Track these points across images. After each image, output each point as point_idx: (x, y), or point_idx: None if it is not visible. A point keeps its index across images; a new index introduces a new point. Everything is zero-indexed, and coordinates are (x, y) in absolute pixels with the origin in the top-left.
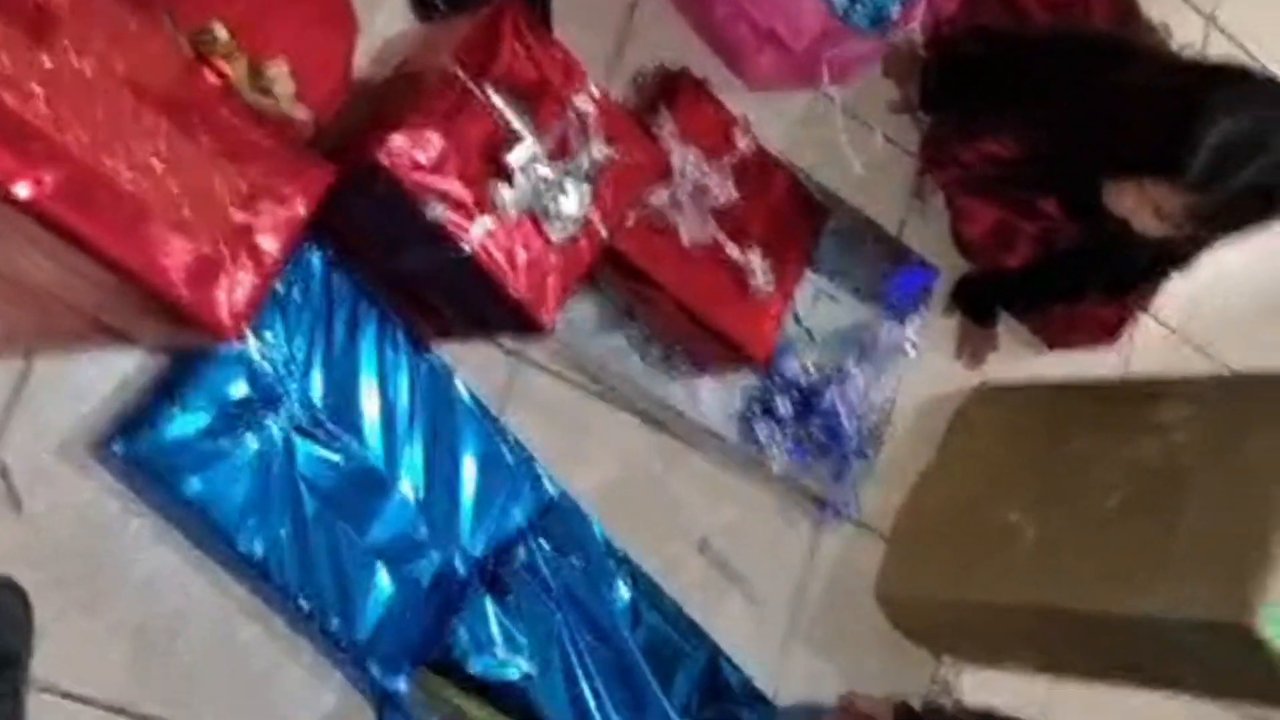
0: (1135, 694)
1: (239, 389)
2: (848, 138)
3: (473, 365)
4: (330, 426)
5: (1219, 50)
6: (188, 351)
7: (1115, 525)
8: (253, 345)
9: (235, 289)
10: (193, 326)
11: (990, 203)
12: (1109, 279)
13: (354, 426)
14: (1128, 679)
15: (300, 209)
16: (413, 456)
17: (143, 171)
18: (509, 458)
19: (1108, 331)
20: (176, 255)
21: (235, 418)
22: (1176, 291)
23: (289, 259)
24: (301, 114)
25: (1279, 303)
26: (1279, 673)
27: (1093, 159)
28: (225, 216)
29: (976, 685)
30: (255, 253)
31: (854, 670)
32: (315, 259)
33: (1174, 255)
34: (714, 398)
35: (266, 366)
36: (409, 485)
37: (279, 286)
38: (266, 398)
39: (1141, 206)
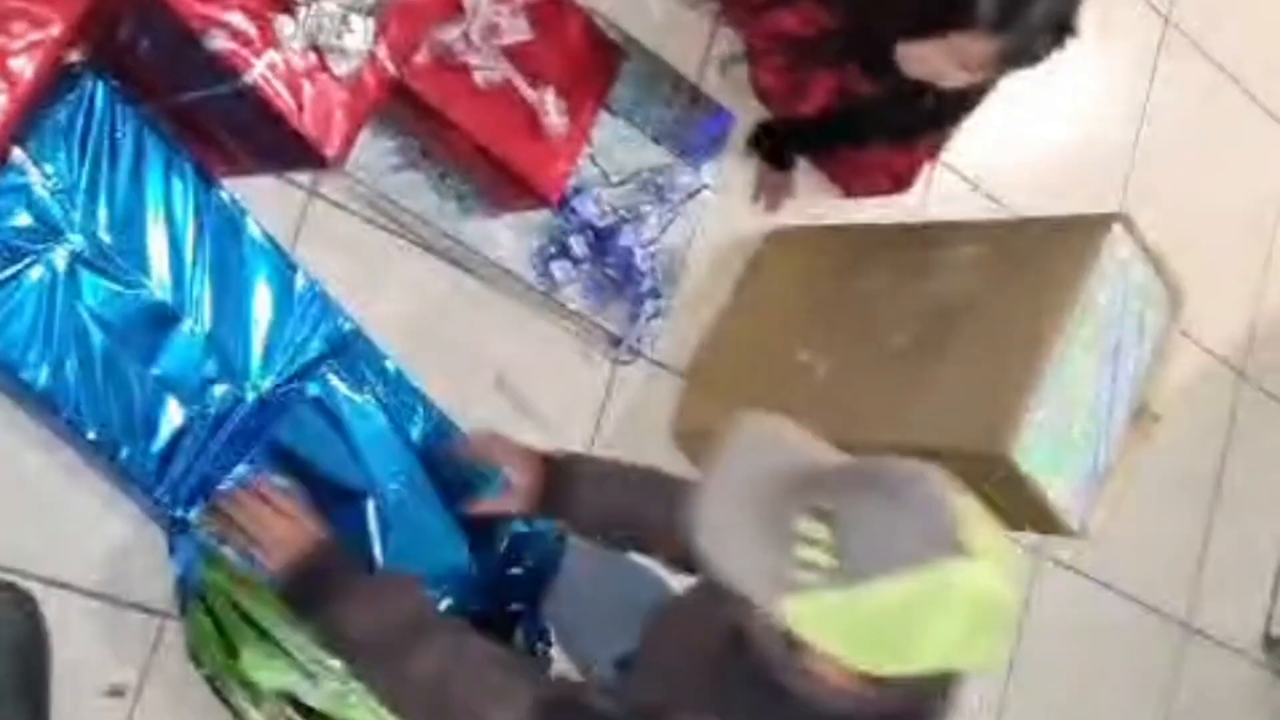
0: None
1: (20, 220)
2: None
3: (266, 202)
4: (117, 260)
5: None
6: None
7: (897, 361)
8: (33, 175)
9: None
10: None
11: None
12: (895, 125)
13: (140, 259)
14: None
15: (55, 30)
16: (200, 290)
17: None
18: (302, 292)
19: (901, 179)
20: None
21: (15, 249)
22: (971, 143)
23: (46, 81)
24: None
25: (1067, 153)
26: (1035, 499)
27: (888, 26)
28: None
29: None
30: (9, 75)
31: None
32: (99, 91)
33: (957, 102)
34: (511, 237)
35: (48, 197)
36: (196, 318)
37: (60, 117)
38: (48, 229)
39: (946, 63)
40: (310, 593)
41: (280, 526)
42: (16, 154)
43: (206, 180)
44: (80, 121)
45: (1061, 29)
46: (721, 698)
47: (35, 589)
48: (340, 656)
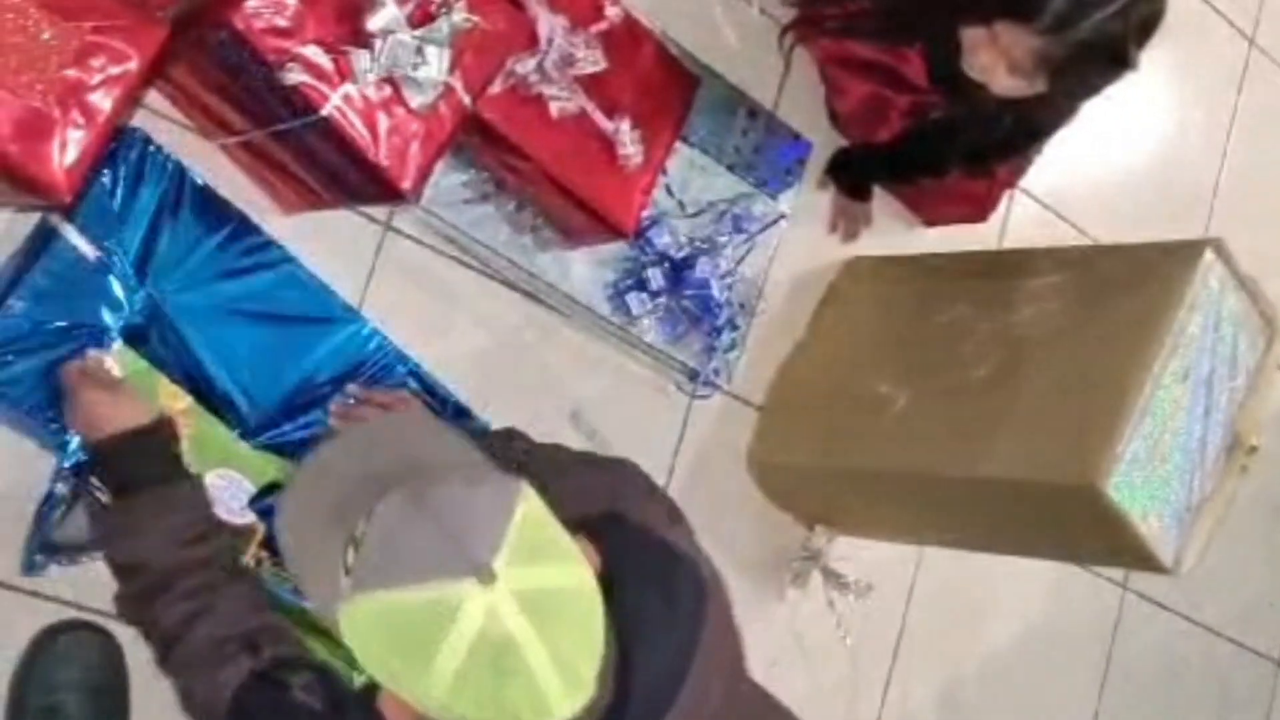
0: (1000, 562)
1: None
2: (722, 10)
3: (341, 236)
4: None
5: None
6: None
7: (979, 393)
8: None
9: (67, 146)
10: (26, 184)
11: (860, 76)
12: (969, 150)
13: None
14: (990, 544)
15: (134, 65)
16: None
17: None
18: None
19: (979, 207)
20: (5, 112)
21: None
22: (1051, 170)
23: (122, 116)
24: None
25: (1145, 179)
26: (1127, 534)
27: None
28: (56, 74)
29: (847, 552)
30: (87, 110)
31: (727, 538)
32: (139, 148)
33: (1031, 126)
34: (585, 270)
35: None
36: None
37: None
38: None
39: (995, 61)
40: (112, 473)
41: (106, 398)
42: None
43: (248, 227)
44: (124, 182)
45: (1115, 58)
46: None
47: None
48: (108, 551)
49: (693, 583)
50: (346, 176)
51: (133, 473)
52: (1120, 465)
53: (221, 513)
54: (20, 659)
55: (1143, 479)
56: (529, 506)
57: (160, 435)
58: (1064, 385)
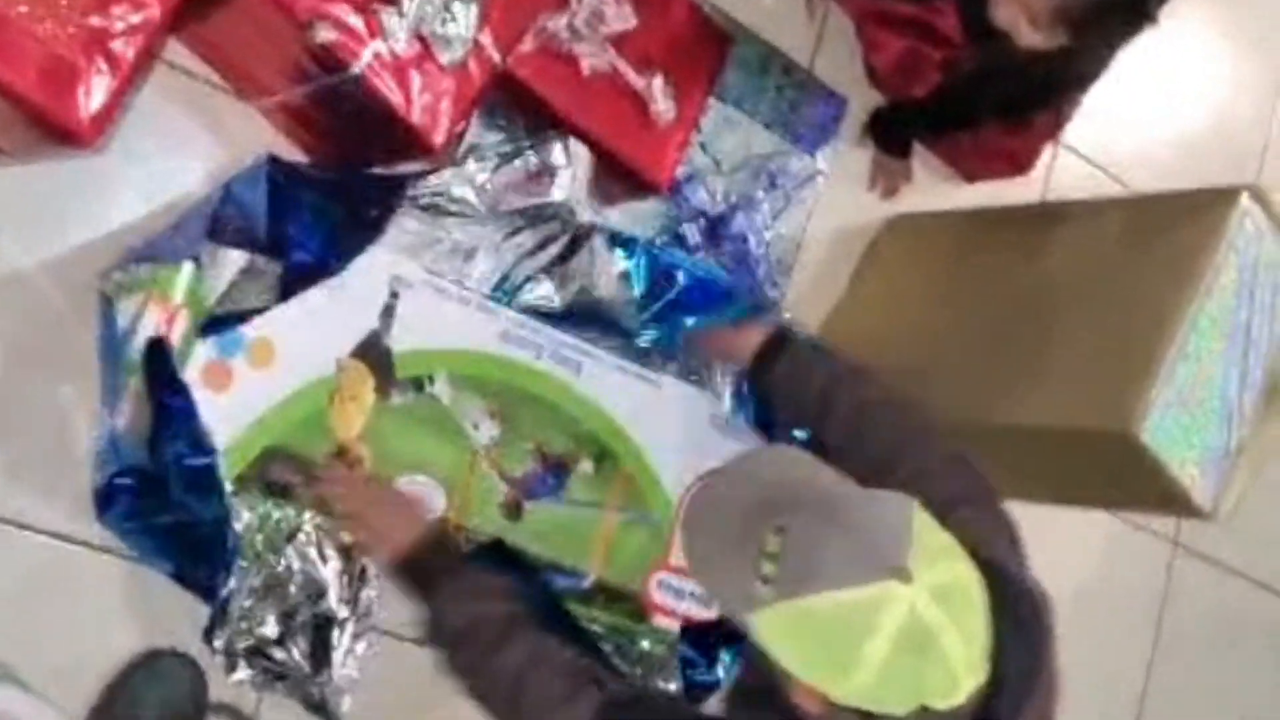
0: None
1: None
2: None
3: None
4: None
5: None
6: None
7: (1020, 343)
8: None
9: (92, 93)
10: (52, 131)
11: (896, 32)
12: (1002, 101)
13: None
14: (1032, 493)
15: (155, 12)
16: None
17: None
18: None
19: (1020, 162)
20: (30, 58)
21: None
22: (1096, 126)
23: (146, 63)
24: None
25: (1193, 135)
26: (1163, 479)
27: None
28: (80, 22)
29: None
30: (111, 57)
31: None
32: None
33: (1061, 77)
34: (622, 226)
35: None
36: None
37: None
38: None
39: (1016, 15)
40: (415, 582)
41: (386, 516)
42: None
43: None
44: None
45: (1134, 10)
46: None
47: None
48: (435, 641)
49: (1030, 599)
50: (379, 132)
51: (432, 574)
52: (1154, 410)
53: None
54: (121, 669)
55: (1178, 424)
56: (921, 515)
57: (443, 531)
58: (1101, 333)
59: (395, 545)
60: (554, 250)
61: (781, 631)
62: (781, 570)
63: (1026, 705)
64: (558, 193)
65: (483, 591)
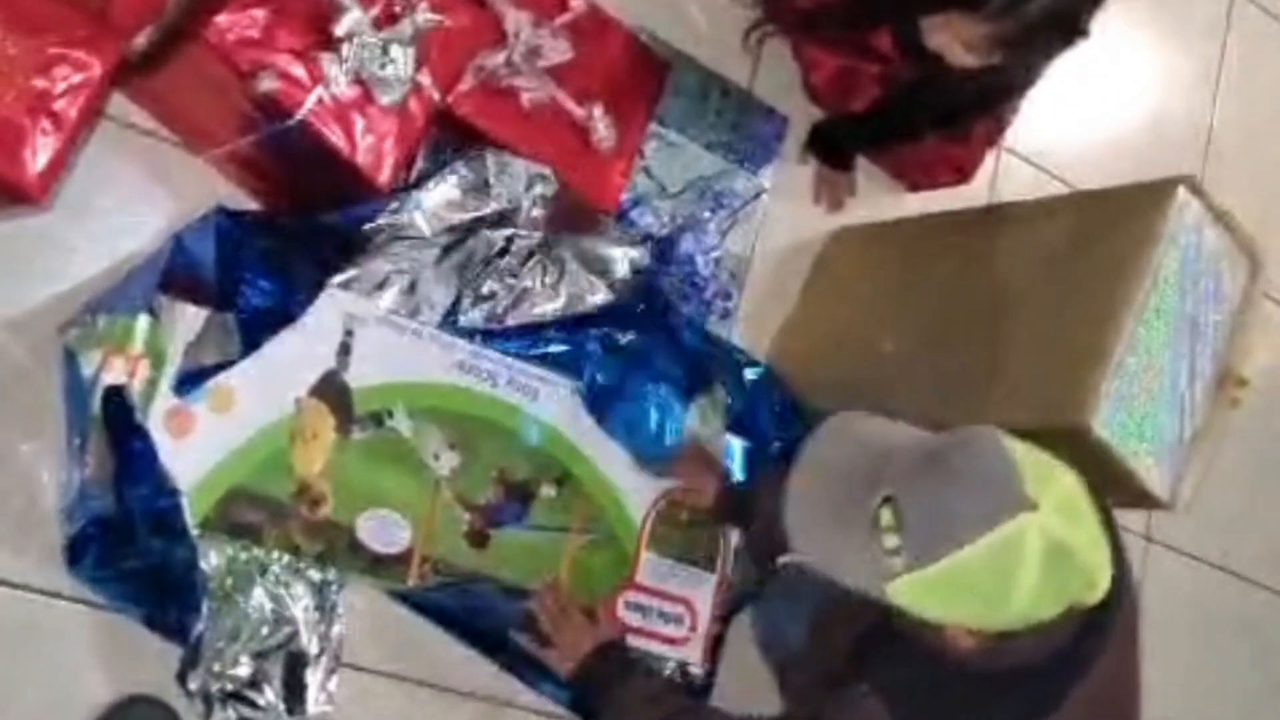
0: None
1: None
2: None
3: None
4: None
5: None
6: None
7: (972, 345)
8: None
9: (39, 152)
10: (2, 189)
11: (832, 50)
12: (939, 112)
13: None
14: None
15: (96, 72)
16: None
17: None
18: None
19: (962, 170)
20: None
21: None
22: (1037, 130)
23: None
24: None
25: (1135, 134)
26: (1120, 470)
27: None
28: (23, 84)
29: None
30: (55, 117)
31: None
32: None
33: (996, 87)
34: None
35: None
36: None
37: None
38: None
39: (951, 41)
40: (593, 688)
41: (572, 632)
42: None
43: None
44: None
45: (1067, 28)
46: (877, 672)
47: None
48: None
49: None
50: (326, 176)
51: (609, 681)
52: (1106, 403)
53: (377, 547)
54: (97, 717)
55: (1130, 416)
56: (1009, 439)
57: (613, 638)
58: (1051, 331)
59: (575, 656)
60: (511, 261)
61: (925, 592)
62: (907, 539)
63: (1127, 597)
64: (494, 203)
65: (650, 694)
